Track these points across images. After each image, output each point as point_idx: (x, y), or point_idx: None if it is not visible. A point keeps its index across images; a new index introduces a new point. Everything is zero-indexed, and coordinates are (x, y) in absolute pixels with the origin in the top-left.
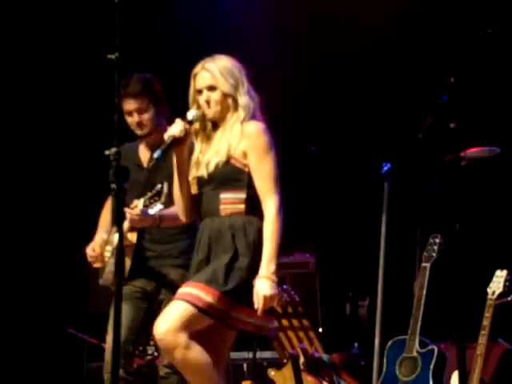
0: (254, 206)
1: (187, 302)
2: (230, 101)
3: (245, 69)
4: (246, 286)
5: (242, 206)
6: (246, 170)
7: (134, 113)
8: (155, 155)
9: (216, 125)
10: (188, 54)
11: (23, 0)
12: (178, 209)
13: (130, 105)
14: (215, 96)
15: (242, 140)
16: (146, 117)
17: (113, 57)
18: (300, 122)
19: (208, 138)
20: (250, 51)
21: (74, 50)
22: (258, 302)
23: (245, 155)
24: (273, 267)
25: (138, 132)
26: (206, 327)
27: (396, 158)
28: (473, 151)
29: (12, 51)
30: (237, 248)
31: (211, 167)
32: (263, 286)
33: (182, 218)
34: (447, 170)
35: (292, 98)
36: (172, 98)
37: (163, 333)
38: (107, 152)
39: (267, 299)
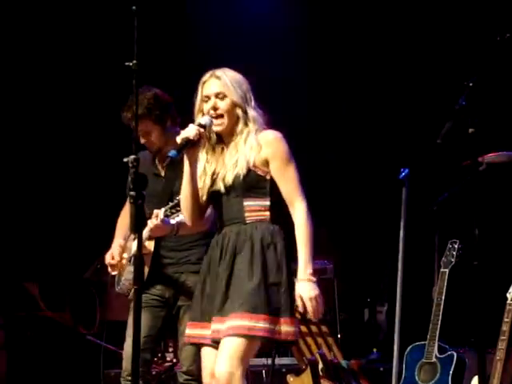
0: (275, 213)
1: (241, 336)
2: (239, 111)
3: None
4: (284, 298)
5: (267, 213)
6: (268, 177)
7: (140, 135)
8: (170, 154)
9: (221, 138)
10: (205, 60)
11: (42, 8)
12: (185, 214)
13: (136, 127)
14: (223, 104)
15: (262, 149)
16: (151, 138)
17: (131, 64)
18: (318, 129)
19: (213, 150)
20: (266, 59)
21: (93, 57)
22: (306, 306)
23: (266, 163)
24: (310, 269)
25: (149, 150)
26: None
27: (414, 163)
28: (491, 156)
29: (30, 58)
30: (267, 262)
31: (229, 179)
32: (307, 289)
33: (189, 224)
34: (465, 175)
35: (309, 105)
36: (189, 107)
37: (227, 374)
38: (126, 159)
39: (315, 300)
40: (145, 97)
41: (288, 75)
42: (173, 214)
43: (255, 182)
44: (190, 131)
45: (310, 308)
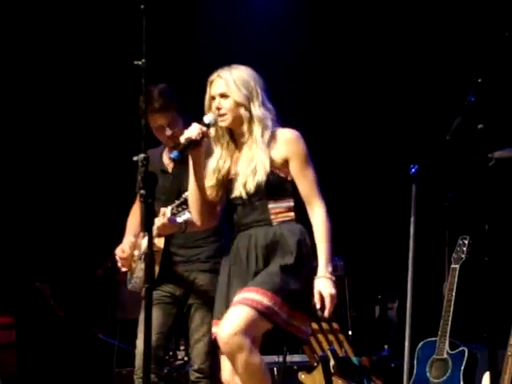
0: (299, 212)
1: (251, 307)
2: (242, 110)
3: (263, 80)
4: (306, 295)
5: (292, 214)
6: (289, 178)
7: (166, 127)
8: (172, 155)
9: (233, 136)
10: (214, 60)
11: (51, 8)
12: (193, 212)
13: (161, 120)
14: (226, 104)
15: (281, 147)
16: (177, 129)
17: (140, 63)
18: (327, 124)
19: (228, 147)
20: (273, 53)
21: (101, 56)
22: (325, 302)
23: (286, 162)
24: (330, 267)
25: (171, 144)
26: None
27: (424, 159)
28: (501, 152)
29: (39, 58)
30: (301, 253)
31: (250, 186)
32: (327, 286)
33: (197, 222)
34: (475, 171)
35: (319, 100)
36: (198, 105)
37: (229, 336)
38: (135, 158)
39: (333, 298)
40: (163, 88)
41: (293, 73)
42: (179, 212)
43: (278, 185)
44: (193, 131)
45: (328, 304)
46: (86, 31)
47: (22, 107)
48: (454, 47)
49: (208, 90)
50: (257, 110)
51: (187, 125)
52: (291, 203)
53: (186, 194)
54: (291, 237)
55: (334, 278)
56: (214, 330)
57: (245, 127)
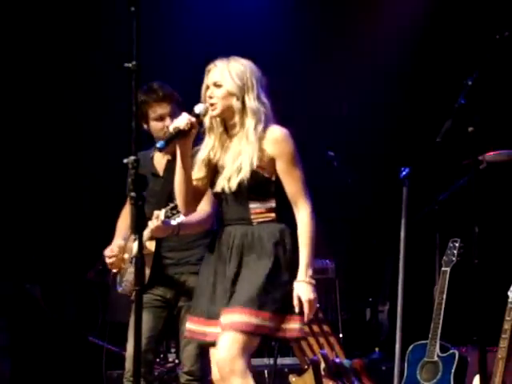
0: (282, 213)
1: (242, 332)
2: (234, 101)
3: (263, 75)
4: (290, 296)
5: (273, 215)
6: (273, 178)
7: (167, 117)
8: (158, 145)
9: (226, 127)
10: (205, 60)
11: (41, 9)
12: (179, 201)
13: (163, 109)
14: (218, 93)
15: (268, 146)
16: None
17: (130, 65)
18: (318, 127)
19: (220, 138)
20: (268, 55)
21: (91, 58)
22: (304, 307)
23: (272, 161)
24: (310, 271)
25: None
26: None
27: (414, 162)
28: (491, 155)
29: (30, 59)
30: (277, 260)
31: (234, 184)
32: (306, 291)
33: (182, 211)
34: (466, 174)
35: (310, 102)
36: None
37: (224, 361)
38: (126, 160)
39: (312, 303)
40: (161, 85)
41: (288, 74)
42: (173, 215)
43: (260, 185)
44: (181, 121)
45: (306, 310)
46: (78, 33)
47: (14, 109)
48: (445, 50)
49: (205, 79)
50: (251, 102)
51: None
52: (273, 204)
53: None
54: (269, 239)
55: (313, 282)
56: (189, 326)
57: (236, 118)
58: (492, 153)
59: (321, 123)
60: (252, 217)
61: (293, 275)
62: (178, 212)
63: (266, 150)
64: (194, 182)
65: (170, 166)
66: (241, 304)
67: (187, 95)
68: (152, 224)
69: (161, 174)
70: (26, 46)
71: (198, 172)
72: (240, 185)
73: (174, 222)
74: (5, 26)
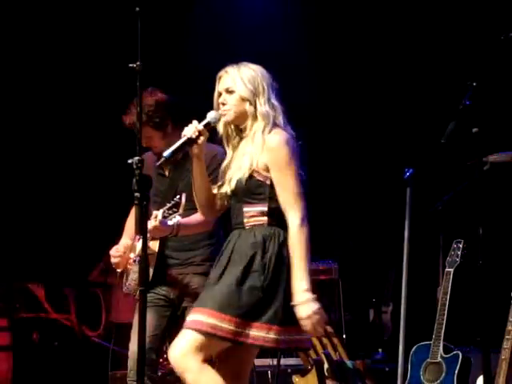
0: (277, 217)
1: (197, 331)
2: (247, 106)
3: (273, 79)
4: (266, 303)
5: (265, 219)
6: (268, 182)
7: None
8: (164, 154)
9: (240, 133)
10: (209, 62)
11: (46, 10)
12: (197, 206)
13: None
14: (231, 99)
15: (264, 152)
16: (153, 142)
17: (135, 66)
18: (323, 127)
19: (235, 147)
20: (272, 57)
21: (97, 58)
22: (309, 330)
23: (267, 168)
24: (305, 285)
25: (153, 152)
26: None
27: (418, 163)
28: (495, 156)
29: (35, 60)
30: (252, 264)
31: (233, 184)
32: (306, 312)
33: (201, 217)
34: (470, 175)
35: (314, 103)
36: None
37: (175, 358)
38: (130, 161)
39: (315, 320)
40: (145, 103)
41: (291, 74)
42: (170, 215)
43: (254, 188)
44: (189, 130)
45: (308, 327)
46: (80, 34)
47: (18, 109)
48: (449, 51)
49: (216, 86)
50: (262, 106)
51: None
52: (265, 208)
53: (177, 197)
54: (248, 243)
55: (310, 297)
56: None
57: (249, 122)
58: (496, 154)
59: (322, 123)
60: (245, 220)
61: (273, 281)
62: (175, 212)
63: (262, 157)
64: (214, 191)
65: (176, 166)
66: (204, 305)
67: (191, 98)
68: (150, 224)
69: (167, 173)
70: (26, 45)
71: (220, 181)
72: (237, 185)
73: (171, 222)
74: (5, 26)
